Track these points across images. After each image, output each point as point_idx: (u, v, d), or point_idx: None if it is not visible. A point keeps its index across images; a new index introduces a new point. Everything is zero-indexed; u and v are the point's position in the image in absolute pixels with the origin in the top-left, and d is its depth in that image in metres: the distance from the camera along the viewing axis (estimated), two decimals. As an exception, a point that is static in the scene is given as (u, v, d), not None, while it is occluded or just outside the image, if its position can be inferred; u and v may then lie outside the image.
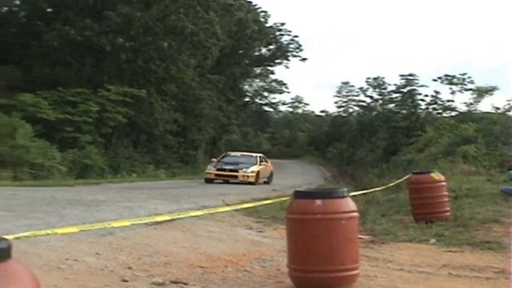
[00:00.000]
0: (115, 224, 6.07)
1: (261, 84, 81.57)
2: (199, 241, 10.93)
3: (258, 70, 75.96)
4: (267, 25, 69.21)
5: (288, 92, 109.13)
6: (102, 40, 37.44)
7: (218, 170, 32.49)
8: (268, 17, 70.44)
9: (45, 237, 7.56)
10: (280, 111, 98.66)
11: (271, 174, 35.47)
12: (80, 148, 33.95)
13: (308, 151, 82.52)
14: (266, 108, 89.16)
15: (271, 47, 71.64)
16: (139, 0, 39.93)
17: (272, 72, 78.57)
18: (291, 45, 71.87)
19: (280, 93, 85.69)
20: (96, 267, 8.25)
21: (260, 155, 36.29)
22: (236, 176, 32.07)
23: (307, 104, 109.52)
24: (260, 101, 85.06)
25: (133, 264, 8.56)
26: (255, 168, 33.07)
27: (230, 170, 32.33)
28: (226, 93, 58.17)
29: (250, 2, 64.68)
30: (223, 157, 35.11)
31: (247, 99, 77.65)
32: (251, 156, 35.46)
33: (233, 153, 36.74)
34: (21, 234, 4.12)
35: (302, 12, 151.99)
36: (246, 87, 76.91)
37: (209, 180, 32.06)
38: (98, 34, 37.13)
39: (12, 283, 2.52)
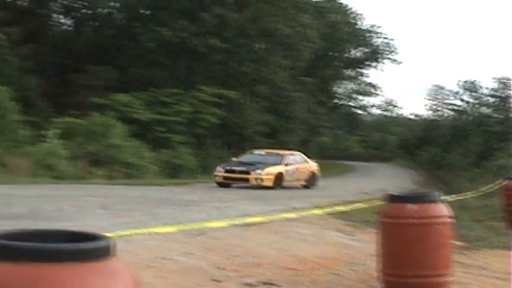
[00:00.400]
0: (211, 225, 6.16)
1: (350, 86, 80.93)
2: (289, 243, 10.95)
3: (349, 72, 75.48)
4: (361, 27, 68.85)
5: (378, 95, 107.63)
6: (195, 42, 37.89)
7: (227, 171, 26.57)
8: (364, 19, 70.16)
9: (140, 235, 7.70)
10: (371, 114, 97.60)
11: (313, 177, 28.98)
12: (172, 148, 34.43)
13: (398, 154, 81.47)
14: (357, 110, 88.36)
15: (365, 49, 71.17)
16: (233, 2, 40.21)
17: (362, 75, 77.89)
18: (384, 48, 71.17)
19: (372, 95, 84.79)
20: (188, 267, 8.37)
21: (294, 152, 30.38)
22: (247, 179, 26.14)
23: (400, 108, 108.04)
24: (351, 104, 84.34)
25: (224, 265, 8.65)
26: (275, 169, 26.71)
27: (240, 172, 26.34)
28: (316, 95, 58.06)
29: (342, 4, 64.45)
30: (244, 155, 29.50)
31: (338, 101, 77.27)
32: (277, 154, 29.11)
33: (257, 151, 29.96)
34: (123, 233, 4.22)
35: (393, 13, 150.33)
36: (337, 89, 76.58)
37: (222, 184, 26.14)
38: (192, 35, 37.59)
39: (112, 280, 2.57)
